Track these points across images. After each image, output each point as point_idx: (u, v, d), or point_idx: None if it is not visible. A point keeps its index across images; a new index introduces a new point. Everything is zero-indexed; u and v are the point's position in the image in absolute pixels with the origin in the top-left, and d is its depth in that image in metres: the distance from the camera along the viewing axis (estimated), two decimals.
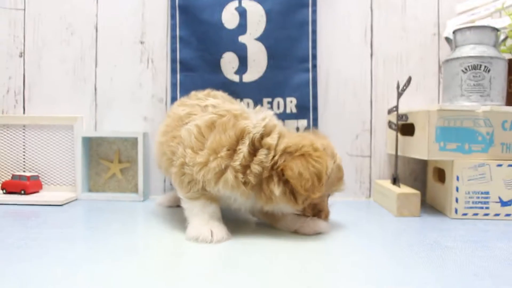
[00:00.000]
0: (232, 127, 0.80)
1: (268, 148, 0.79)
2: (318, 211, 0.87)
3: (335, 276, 0.62)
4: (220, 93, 1.06)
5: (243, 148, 0.78)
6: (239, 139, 0.79)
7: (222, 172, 0.78)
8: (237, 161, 0.78)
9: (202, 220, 0.81)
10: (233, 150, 0.79)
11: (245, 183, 0.78)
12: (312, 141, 0.82)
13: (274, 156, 0.79)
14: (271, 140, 0.80)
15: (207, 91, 1.05)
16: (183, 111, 0.92)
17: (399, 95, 1.10)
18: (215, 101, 0.94)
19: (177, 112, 0.94)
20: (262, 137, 0.81)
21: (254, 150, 0.79)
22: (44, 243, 0.76)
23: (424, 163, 1.24)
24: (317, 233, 0.85)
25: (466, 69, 1.05)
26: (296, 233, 0.86)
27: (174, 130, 0.90)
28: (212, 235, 0.77)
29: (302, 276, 0.62)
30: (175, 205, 1.10)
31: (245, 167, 0.78)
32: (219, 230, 0.80)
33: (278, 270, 0.64)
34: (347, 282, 0.59)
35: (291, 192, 0.79)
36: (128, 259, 0.68)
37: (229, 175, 0.78)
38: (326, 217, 0.88)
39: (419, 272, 0.64)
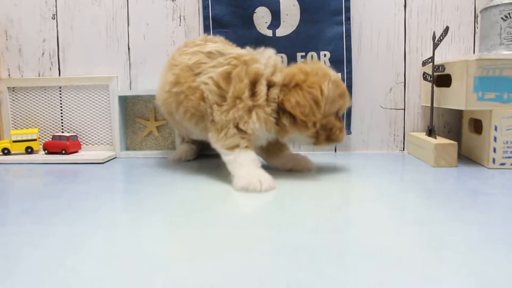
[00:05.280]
0: (246, 74, 0.88)
1: (276, 85, 0.89)
2: (329, 129, 0.93)
3: (379, 214, 0.64)
4: (217, 37, 1.08)
5: (262, 88, 0.88)
6: (255, 82, 0.88)
7: (250, 110, 0.87)
8: (260, 100, 0.87)
9: (248, 169, 0.84)
10: (252, 92, 0.88)
11: (270, 118, 0.88)
12: (302, 67, 0.91)
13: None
14: (275, 78, 0.89)
15: (202, 36, 1.07)
16: (190, 60, 0.95)
17: (435, 45, 1.09)
18: (216, 45, 0.97)
19: (183, 62, 0.96)
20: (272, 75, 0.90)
21: (268, 88, 0.89)
22: (100, 195, 0.80)
23: (459, 115, 1.23)
24: (308, 170, 0.99)
25: (506, 16, 1.02)
26: (290, 171, 0.99)
27: (188, 80, 0.93)
28: (261, 184, 0.80)
29: (333, 214, 0.64)
30: (192, 158, 1.17)
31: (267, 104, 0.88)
32: (266, 179, 0.82)
33: (319, 211, 0.67)
34: (393, 220, 0.61)
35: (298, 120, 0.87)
36: (185, 207, 0.72)
37: (258, 111, 0.87)
38: (340, 131, 0.94)
39: (466, 214, 0.65)
